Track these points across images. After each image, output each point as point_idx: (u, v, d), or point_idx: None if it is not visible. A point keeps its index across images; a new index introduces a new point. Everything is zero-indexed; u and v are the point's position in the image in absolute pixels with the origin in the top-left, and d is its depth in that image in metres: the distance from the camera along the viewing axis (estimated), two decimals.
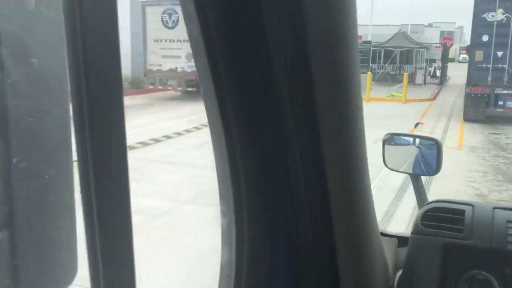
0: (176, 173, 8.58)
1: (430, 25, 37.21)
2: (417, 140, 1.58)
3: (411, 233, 1.10)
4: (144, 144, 10.92)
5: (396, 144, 1.61)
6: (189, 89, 20.03)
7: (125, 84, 20.87)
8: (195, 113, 15.48)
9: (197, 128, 13.01)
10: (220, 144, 0.74)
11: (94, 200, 0.58)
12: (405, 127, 12.09)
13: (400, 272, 1.08)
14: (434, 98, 22.46)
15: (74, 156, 0.60)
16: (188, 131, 12.76)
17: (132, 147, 10.29)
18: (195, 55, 0.71)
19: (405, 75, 21.29)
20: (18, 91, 0.52)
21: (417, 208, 1.52)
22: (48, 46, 0.57)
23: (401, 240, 1.19)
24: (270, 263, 0.83)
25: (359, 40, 22.49)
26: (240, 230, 0.79)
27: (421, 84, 27.38)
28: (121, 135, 0.58)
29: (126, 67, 22.08)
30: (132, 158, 9.28)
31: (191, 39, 0.69)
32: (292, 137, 0.73)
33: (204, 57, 0.67)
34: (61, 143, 0.58)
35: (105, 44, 0.55)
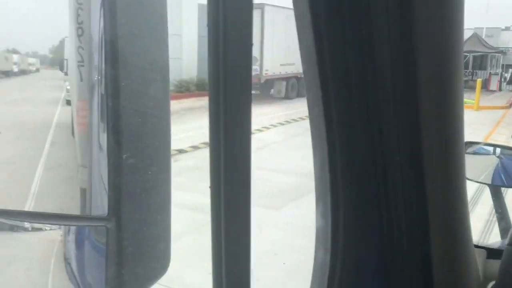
0: None
1: (507, 29, 35.44)
2: (498, 150, 1.51)
3: (507, 244, 1.07)
4: (195, 147, 11.13)
5: (474, 153, 1.54)
6: (252, 92, 20.17)
7: (191, 86, 21.45)
8: (258, 116, 15.61)
9: (259, 131, 13.10)
10: (321, 146, 0.76)
11: (222, 195, 0.71)
12: (478, 136, 11.53)
13: (491, 284, 1.06)
14: (510, 106, 21.29)
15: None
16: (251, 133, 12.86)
17: (197, 147, 10.51)
18: (304, 59, 0.74)
19: (478, 81, 20.39)
20: (128, 95, 0.57)
21: (491, 220, 1.46)
22: (156, 51, 0.62)
23: (490, 252, 1.17)
24: (363, 267, 0.83)
25: None
26: (335, 232, 0.80)
27: (496, 91, 26.08)
28: (247, 133, 0.71)
29: (193, 70, 22.68)
30: (198, 158, 9.48)
31: (302, 49, 0.73)
32: (393, 142, 0.74)
33: (314, 62, 0.71)
34: (162, 142, 0.63)
35: (241, 54, 0.68)
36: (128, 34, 0.57)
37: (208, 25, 0.66)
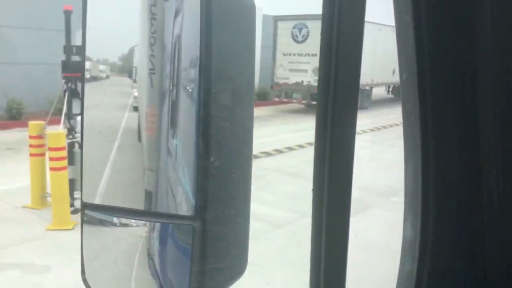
0: (298, 185, 8.63)
1: None
2: None
3: None
4: (268, 154, 11.18)
5: None
6: (314, 102, 20.08)
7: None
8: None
9: None
10: (415, 156, 0.76)
11: (324, 199, 0.75)
12: None
13: None
14: None
15: None
16: (310, 144, 12.77)
17: (256, 156, 10.59)
18: (403, 69, 0.75)
19: None
20: (217, 101, 0.61)
21: None
22: (250, 56, 0.66)
23: None
24: (452, 277, 0.81)
25: None
26: (424, 242, 0.79)
27: None
28: (352, 135, 0.73)
29: (255, 79, 22.83)
30: (256, 167, 9.53)
31: (402, 56, 0.75)
32: (489, 153, 0.73)
33: (414, 73, 0.72)
34: (246, 147, 0.66)
35: (350, 59, 0.71)
36: (219, 45, 0.60)
37: (321, 39, 0.72)
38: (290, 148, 12.15)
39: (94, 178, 0.68)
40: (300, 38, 20.75)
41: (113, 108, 0.69)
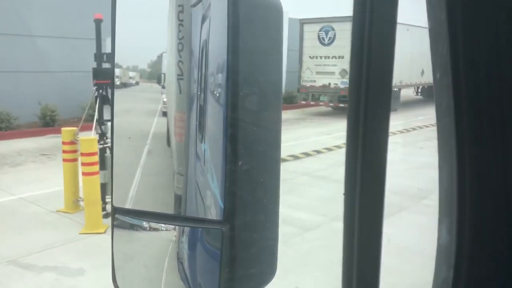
0: (326, 188, 8.57)
1: None
2: None
3: None
4: (295, 157, 11.15)
5: None
6: (341, 105, 19.98)
7: None
8: (346, 129, 15.32)
9: None
10: (450, 159, 0.74)
11: (356, 203, 0.73)
12: None
13: None
14: None
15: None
16: (338, 147, 12.69)
17: (284, 160, 10.56)
18: (437, 68, 0.74)
19: None
20: (244, 105, 0.61)
21: None
22: (278, 60, 0.66)
23: None
24: (489, 285, 0.78)
25: None
26: (461, 248, 0.76)
27: None
28: (385, 138, 0.72)
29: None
30: (284, 170, 9.50)
31: (435, 55, 0.73)
32: None
33: (448, 71, 0.70)
34: (274, 150, 0.66)
35: (381, 66, 0.70)
36: (247, 49, 0.61)
37: (352, 40, 0.71)
38: (318, 151, 12.08)
39: (124, 182, 0.70)
40: (326, 41, 20.63)
41: (143, 114, 0.70)
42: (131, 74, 0.68)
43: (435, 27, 0.71)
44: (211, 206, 0.62)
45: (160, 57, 0.65)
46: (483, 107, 0.70)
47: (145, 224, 0.67)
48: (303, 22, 21.24)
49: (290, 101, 22.37)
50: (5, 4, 14.42)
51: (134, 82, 0.68)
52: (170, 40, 0.63)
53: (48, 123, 14.45)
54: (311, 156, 11.56)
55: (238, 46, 0.59)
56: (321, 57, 20.78)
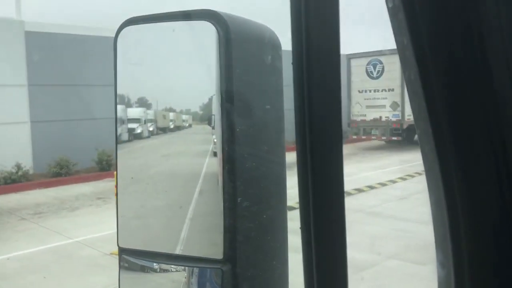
0: (380, 225, 8.32)
1: None
2: None
3: None
4: (348, 193, 10.94)
5: None
6: (394, 138, 19.59)
7: None
8: (400, 163, 14.97)
9: (402, 179, 12.51)
10: (438, 191, 0.69)
11: (312, 241, 0.62)
12: None
13: None
14: None
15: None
16: (393, 181, 12.36)
17: None
18: (411, 96, 0.68)
19: None
20: (242, 140, 0.60)
21: None
22: (264, 85, 0.65)
23: None
24: None
25: None
26: (460, 285, 0.71)
27: None
28: (340, 180, 0.63)
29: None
30: None
31: (408, 81, 0.67)
32: None
33: (422, 99, 0.65)
34: (277, 186, 0.64)
35: (328, 92, 0.62)
36: (241, 85, 0.61)
37: (292, 62, 0.63)
38: (371, 187, 11.81)
39: (129, 223, 0.70)
40: (375, 74, 20.51)
41: (194, 155, 0.71)
42: (184, 117, 0.70)
43: (401, 53, 0.67)
44: (211, 245, 0.61)
45: (210, 100, 0.67)
46: (464, 127, 0.65)
47: (155, 266, 0.66)
48: (350, 57, 21.26)
49: None
50: (64, 57, 15.35)
51: (187, 124, 0.70)
52: (215, 84, 0.64)
53: (104, 168, 14.97)
54: (364, 192, 11.30)
55: (232, 83, 0.59)
56: (370, 91, 20.62)
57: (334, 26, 0.62)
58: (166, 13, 0.66)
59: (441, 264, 0.73)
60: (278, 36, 0.67)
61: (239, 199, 0.59)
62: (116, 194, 0.71)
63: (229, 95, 0.60)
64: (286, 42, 0.65)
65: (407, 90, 0.68)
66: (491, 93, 0.62)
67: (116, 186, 0.72)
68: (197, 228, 0.63)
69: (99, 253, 7.32)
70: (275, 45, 0.66)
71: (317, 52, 0.62)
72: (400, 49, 0.65)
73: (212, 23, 0.61)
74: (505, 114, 0.62)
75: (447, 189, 0.67)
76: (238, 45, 0.61)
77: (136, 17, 0.68)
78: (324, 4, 0.62)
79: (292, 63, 0.62)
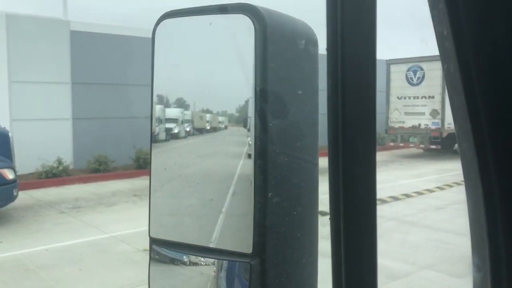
0: (415, 234, 8.14)
1: None
2: None
3: None
4: (383, 201, 10.76)
5: None
6: (433, 146, 19.15)
7: None
8: (438, 172, 14.61)
9: (440, 188, 12.21)
10: (476, 191, 0.66)
11: (342, 248, 0.62)
12: None
13: None
14: None
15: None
16: (430, 190, 12.07)
17: None
18: (450, 90, 0.66)
19: None
20: (274, 136, 0.60)
21: None
22: (299, 81, 0.64)
23: None
24: None
25: None
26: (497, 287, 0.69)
27: None
28: (372, 186, 0.63)
29: None
30: None
31: (447, 74, 0.65)
32: None
33: (461, 94, 0.63)
34: (309, 184, 0.64)
35: (362, 81, 0.61)
36: (275, 80, 0.60)
37: (327, 48, 0.64)
38: (407, 195, 11.57)
39: (161, 214, 0.70)
40: (415, 81, 20.11)
41: (229, 156, 0.72)
42: (220, 119, 0.71)
43: (441, 44, 0.65)
44: (241, 239, 0.61)
45: (247, 102, 0.67)
46: (503, 125, 0.61)
47: (185, 258, 0.67)
48: (390, 63, 20.93)
49: (378, 143, 21.83)
50: (107, 56, 15.75)
51: (223, 126, 0.70)
52: (250, 88, 0.64)
53: (141, 165, 15.24)
54: (399, 200, 11.09)
55: (267, 78, 0.59)
56: (409, 98, 20.24)
57: (371, 30, 0.62)
58: (203, 6, 0.66)
59: (477, 267, 0.71)
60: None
61: (269, 194, 0.60)
62: (150, 184, 0.73)
63: (262, 90, 0.60)
64: (323, 45, 0.65)
65: (446, 84, 0.66)
66: None
67: (150, 177, 0.73)
68: (228, 223, 0.64)
69: (133, 249, 7.46)
70: (313, 42, 0.65)
71: (352, 57, 0.61)
72: (440, 40, 0.63)
73: (249, 17, 0.61)
74: None
75: (485, 189, 0.64)
76: (274, 41, 0.61)
77: (174, 10, 0.69)
78: (361, 8, 0.62)
79: (327, 67, 0.62)
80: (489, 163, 0.63)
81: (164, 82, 0.73)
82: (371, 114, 0.62)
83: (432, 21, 0.63)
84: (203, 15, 0.66)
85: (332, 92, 0.61)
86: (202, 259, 0.65)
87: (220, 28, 0.65)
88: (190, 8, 0.67)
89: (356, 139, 0.62)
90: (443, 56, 0.64)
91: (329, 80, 0.61)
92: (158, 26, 0.69)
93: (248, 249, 0.60)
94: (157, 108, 0.76)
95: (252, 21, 0.60)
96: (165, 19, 0.69)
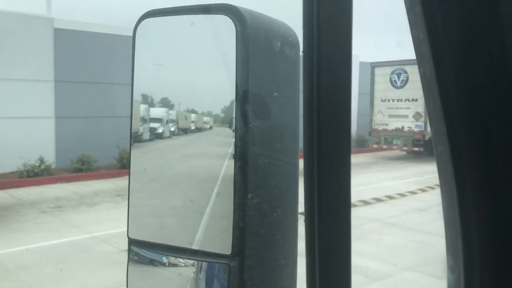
0: (398, 236, 8.22)
1: None
2: None
3: None
4: (365, 202, 10.84)
5: None
6: (416, 149, 19.35)
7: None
8: (421, 174, 14.78)
9: (422, 190, 12.35)
10: (451, 193, 0.67)
11: (316, 249, 0.62)
12: None
13: None
14: None
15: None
16: (412, 192, 12.20)
17: (353, 205, 10.29)
18: (426, 93, 0.66)
19: None
20: (255, 137, 0.60)
21: None
22: (280, 82, 0.64)
23: None
24: None
25: None
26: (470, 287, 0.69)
27: None
28: (347, 188, 0.62)
29: (352, 126, 22.59)
30: (353, 216, 9.25)
31: (423, 78, 0.65)
32: None
33: (437, 97, 0.63)
34: (289, 185, 0.64)
35: (338, 82, 0.61)
36: (260, 80, 0.60)
37: (303, 50, 0.64)
38: (390, 197, 11.68)
39: (141, 214, 0.70)
40: (399, 84, 20.31)
41: (213, 157, 0.71)
42: (205, 119, 0.71)
43: (417, 48, 0.65)
44: (220, 240, 0.61)
45: (232, 103, 0.67)
46: (477, 128, 0.62)
47: (164, 260, 0.66)
48: (374, 66, 21.10)
49: (362, 145, 22.00)
50: (91, 55, 15.60)
51: (208, 126, 0.70)
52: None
53: (125, 165, 15.11)
54: (382, 202, 11.19)
55: (248, 79, 0.59)
56: (393, 100, 20.43)
57: (347, 32, 0.62)
58: (185, 6, 0.66)
59: (451, 268, 0.71)
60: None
61: (249, 195, 0.59)
62: (129, 184, 0.72)
63: (243, 91, 0.60)
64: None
65: (422, 87, 0.66)
66: (509, 93, 0.60)
67: (129, 177, 0.72)
68: (209, 224, 0.63)
69: (115, 249, 7.40)
70: (294, 44, 0.65)
71: (327, 60, 0.61)
72: (416, 44, 0.64)
73: (230, 17, 0.61)
74: None
75: (460, 191, 0.65)
76: (255, 42, 0.61)
77: (155, 10, 0.68)
78: (337, 10, 0.62)
79: (303, 69, 0.62)
80: (463, 165, 0.63)
81: (145, 82, 0.72)
82: (346, 116, 0.63)
83: (409, 25, 0.64)
84: (184, 15, 0.66)
85: (308, 94, 0.61)
86: (181, 260, 0.65)
87: (202, 29, 0.65)
88: (171, 7, 0.67)
89: (331, 141, 0.62)
90: (420, 60, 0.65)
91: (305, 82, 0.62)
92: (139, 25, 0.69)
93: (227, 251, 0.59)
94: (142, 107, 0.75)
95: (234, 22, 0.60)
96: (146, 18, 0.69)
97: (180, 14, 0.66)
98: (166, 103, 0.72)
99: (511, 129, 0.61)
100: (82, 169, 14.36)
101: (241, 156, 0.59)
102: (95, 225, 8.76)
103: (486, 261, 0.67)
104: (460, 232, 0.67)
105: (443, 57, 0.60)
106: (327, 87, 0.61)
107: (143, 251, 0.69)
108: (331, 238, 0.64)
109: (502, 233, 0.66)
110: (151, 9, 0.70)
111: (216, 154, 0.69)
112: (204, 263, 0.63)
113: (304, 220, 0.64)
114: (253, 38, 0.60)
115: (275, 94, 0.63)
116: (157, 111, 0.74)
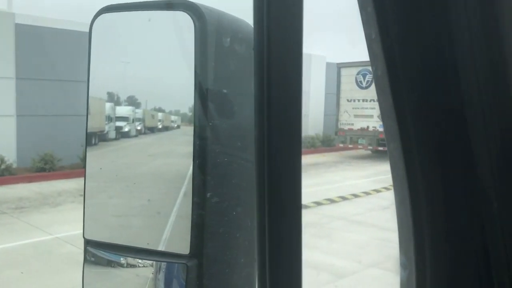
0: (363, 233, 8.35)
1: None
2: None
3: None
4: (331, 201, 10.97)
5: None
6: (380, 148, 19.71)
7: (316, 142, 21.60)
8: (385, 173, 15.04)
9: (387, 189, 12.59)
10: (403, 190, 0.67)
11: (267, 247, 0.60)
12: None
13: None
14: None
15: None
16: (377, 191, 12.42)
17: (319, 203, 10.41)
18: (378, 92, 0.67)
19: None
20: (214, 135, 0.59)
21: None
22: (240, 80, 0.63)
23: None
24: None
25: None
26: (421, 286, 0.70)
27: None
28: (298, 188, 0.60)
29: (319, 126, 22.89)
30: (319, 214, 9.37)
31: (375, 77, 0.66)
32: (488, 182, 0.62)
33: (388, 95, 0.64)
34: (250, 183, 0.62)
35: (288, 81, 0.59)
36: (218, 77, 0.60)
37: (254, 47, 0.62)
38: (355, 195, 11.86)
39: (98, 214, 0.69)
40: (364, 84, 20.63)
41: (181, 156, 0.71)
42: (172, 118, 0.70)
43: (369, 46, 0.66)
44: (178, 240, 0.60)
45: None
46: (429, 126, 0.63)
47: (122, 260, 0.65)
48: (340, 66, 21.37)
49: (328, 144, 22.23)
50: (53, 51, 15.20)
51: (176, 125, 0.70)
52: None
53: None
54: (348, 200, 11.35)
55: (207, 76, 0.59)
56: (359, 100, 20.74)
57: (297, 31, 0.62)
58: (143, 2, 0.65)
59: (403, 265, 0.72)
60: None
61: (208, 194, 0.59)
62: (84, 184, 0.71)
63: (202, 89, 0.59)
64: None
65: (375, 85, 0.67)
66: (459, 92, 0.61)
67: (84, 177, 0.71)
68: (168, 224, 0.63)
69: (79, 250, 7.23)
70: (251, 41, 0.65)
71: (278, 59, 0.60)
72: (368, 43, 0.64)
73: (189, 14, 0.60)
74: (471, 113, 0.61)
75: (411, 188, 0.65)
76: (215, 39, 0.60)
77: (112, 5, 0.67)
78: (288, 9, 0.62)
79: (254, 68, 0.60)
80: (415, 163, 0.64)
81: (104, 78, 0.71)
82: (296, 115, 0.63)
83: (362, 24, 0.65)
84: (142, 10, 0.64)
85: (258, 92, 0.61)
86: (139, 261, 0.64)
87: (160, 25, 0.64)
88: (129, 3, 0.65)
89: (281, 139, 0.62)
90: (372, 59, 0.65)
91: (256, 80, 0.62)
92: (96, 21, 0.67)
93: (186, 250, 0.59)
94: (107, 105, 0.74)
95: (192, 19, 0.59)
96: (103, 13, 0.67)
97: (138, 10, 0.65)
98: (132, 102, 0.71)
99: (462, 127, 0.62)
100: (45, 168, 13.98)
101: (200, 154, 0.59)
102: (58, 226, 8.55)
103: (437, 258, 0.68)
104: (412, 230, 0.67)
105: (395, 56, 0.60)
106: (277, 86, 0.61)
107: (100, 252, 0.68)
108: (282, 238, 0.64)
109: (453, 230, 0.67)
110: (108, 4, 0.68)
111: (183, 153, 0.69)
112: (163, 263, 0.62)
113: (256, 221, 0.63)
114: (213, 35, 0.60)
115: (235, 92, 0.63)
116: (123, 110, 0.72)
